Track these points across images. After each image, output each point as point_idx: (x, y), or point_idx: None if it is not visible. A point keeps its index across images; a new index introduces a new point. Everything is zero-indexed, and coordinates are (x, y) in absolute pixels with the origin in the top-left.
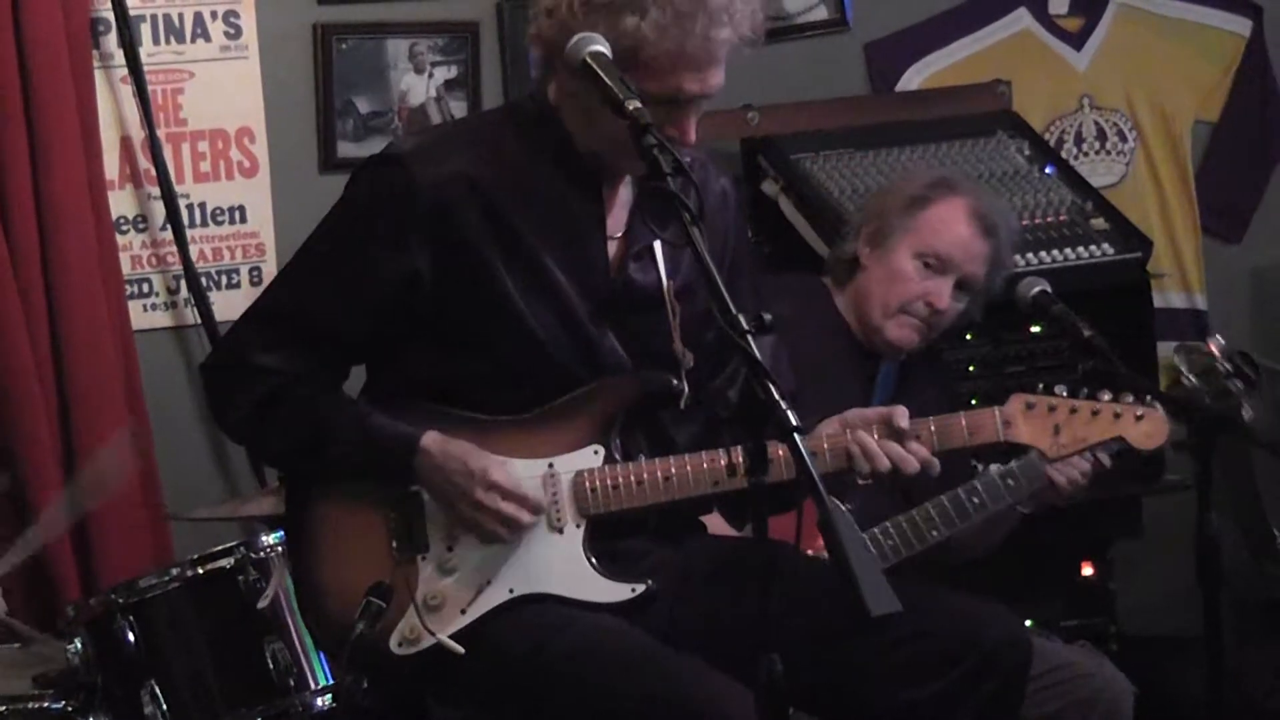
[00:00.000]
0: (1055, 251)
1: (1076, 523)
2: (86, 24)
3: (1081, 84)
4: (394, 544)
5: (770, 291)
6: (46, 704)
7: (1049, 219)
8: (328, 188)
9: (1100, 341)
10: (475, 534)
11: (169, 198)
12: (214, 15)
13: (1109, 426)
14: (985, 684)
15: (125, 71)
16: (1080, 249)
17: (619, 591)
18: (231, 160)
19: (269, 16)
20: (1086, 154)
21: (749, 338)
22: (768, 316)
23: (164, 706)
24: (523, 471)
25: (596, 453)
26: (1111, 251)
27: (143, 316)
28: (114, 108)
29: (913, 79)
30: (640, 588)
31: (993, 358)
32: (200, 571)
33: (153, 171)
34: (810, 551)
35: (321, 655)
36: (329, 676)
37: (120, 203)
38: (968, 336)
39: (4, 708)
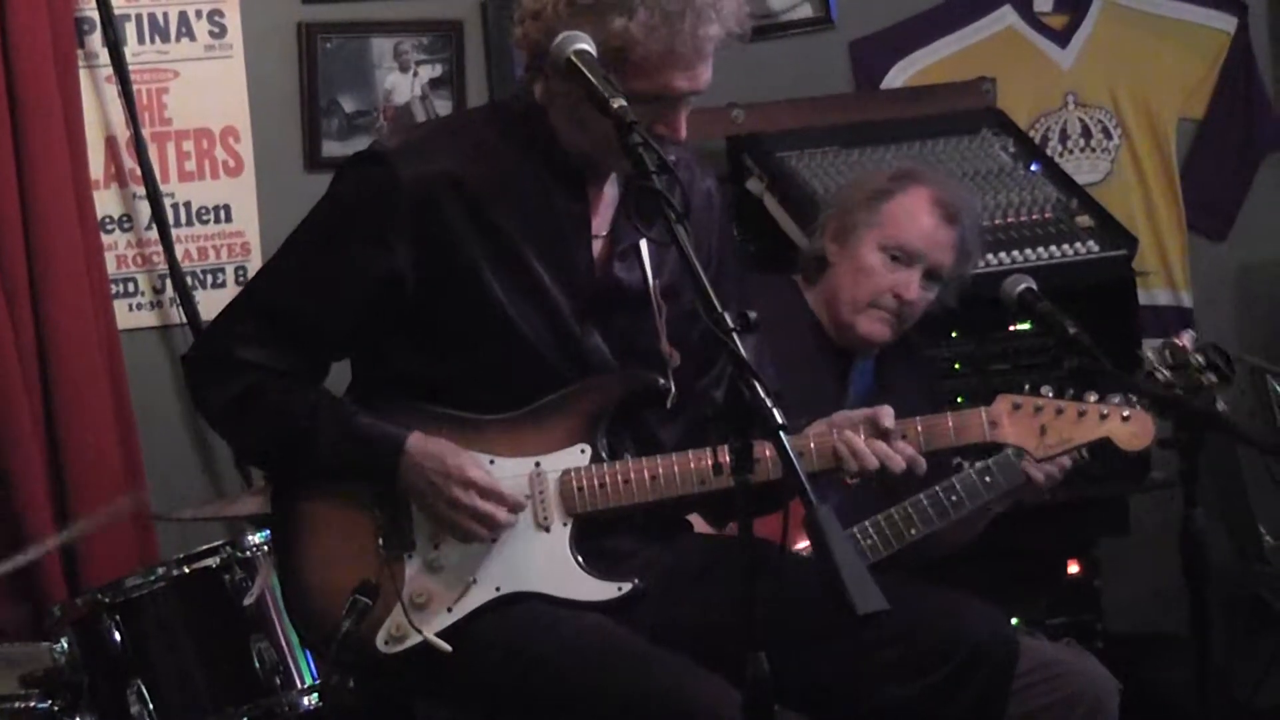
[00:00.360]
0: (1040, 249)
1: (1063, 521)
2: (71, 23)
3: (1066, 81)
4: (380, 542)
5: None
6: (33, 704)
7: (1034, 216)
8: (313, 187)
9: (1085, 339)
10: (454, 534)
11: (154, 197)
12: (199, 14)
13: (1095, 428)
14: (971, 681)
15: (110, 71)
16: (1065, 246)
17: (606, 590)
18: (216, 159)
19: (253, 15)
20: (1071, 151)
21: (734, 336)
22: (753, 315)
23: (150, 706)
24: (509, 470)
25: (583, 451)
26: (1097, 249)
27: (128, 316)
28: (99, 107)
29: (897, 77)
30: (627, 586)
31: (977, 355)
32: (186, 571)
33: (138, 171)
34: (796, 549)
35: (308, 654)
36: (315, 675)
37: (105, 202)
38: (953, 334)
39: None
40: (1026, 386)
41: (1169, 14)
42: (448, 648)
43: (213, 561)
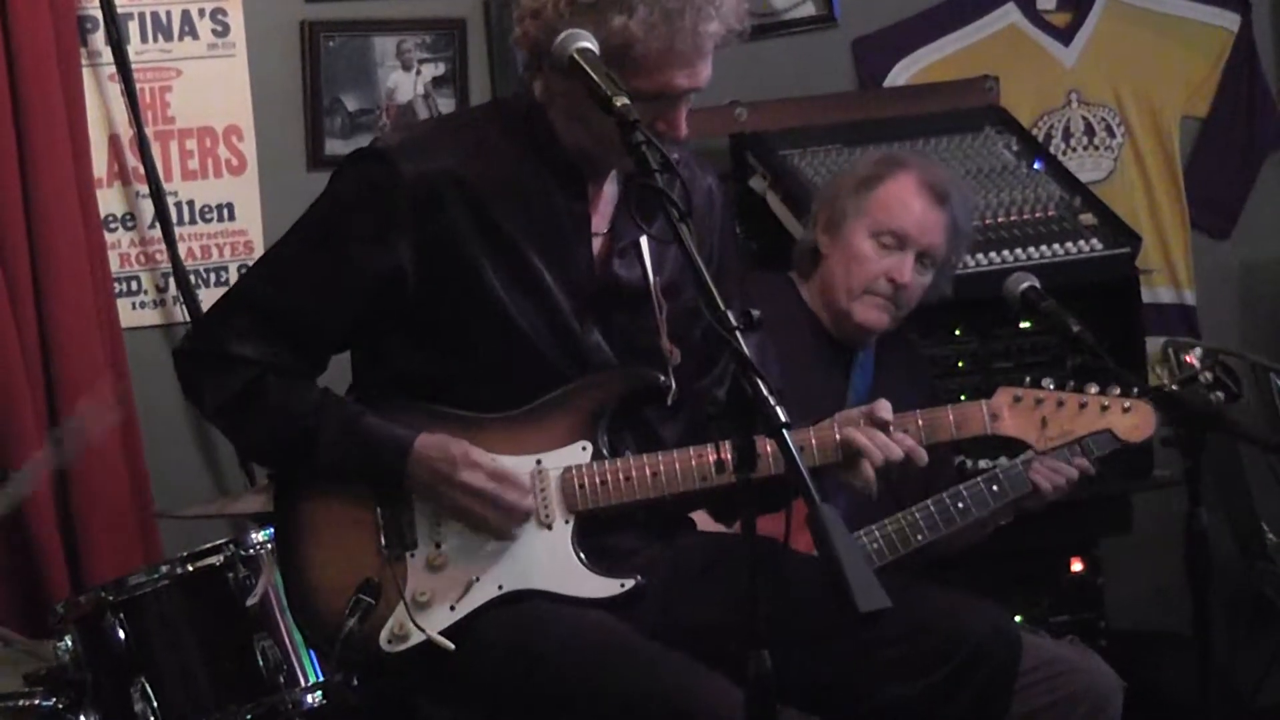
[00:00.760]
0: (1043, 247)
1: (1066, 519)
2: (74, 22)
3: (1069, 79)
4: (382, 541)
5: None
6: (37, 701)
7: (1037, 214)
8: (315, 185)
9: (1089, 337)
10: (465, 524)
11: (157, 195)
12: (201, 13)
13: (1096, 419)
14: (974, 680)
15: (113, 69)
16: (1069, 244)
17: (608, 587)
18: (219, 158)
19: (256, 14)
20: (1074, 149)
21: (737, 334)
22: (755, 313)
23: (154, 704)
24: (511, 468)
25: (584, 449)
26: (1100, 247)
27: (131, 314)
28: (102, 106)
29: (900, 75)
30: (629, 583)
31: (981, 354)
32: (190, 569)
33: (141, 169)
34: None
35: (311, 652)
36: (318, 673)
37: (108, 201)
38: (956, 332)
39: None
40: (1027, 379)
41: (1172, 11)
42: (450, 646)
43: (216, 560)
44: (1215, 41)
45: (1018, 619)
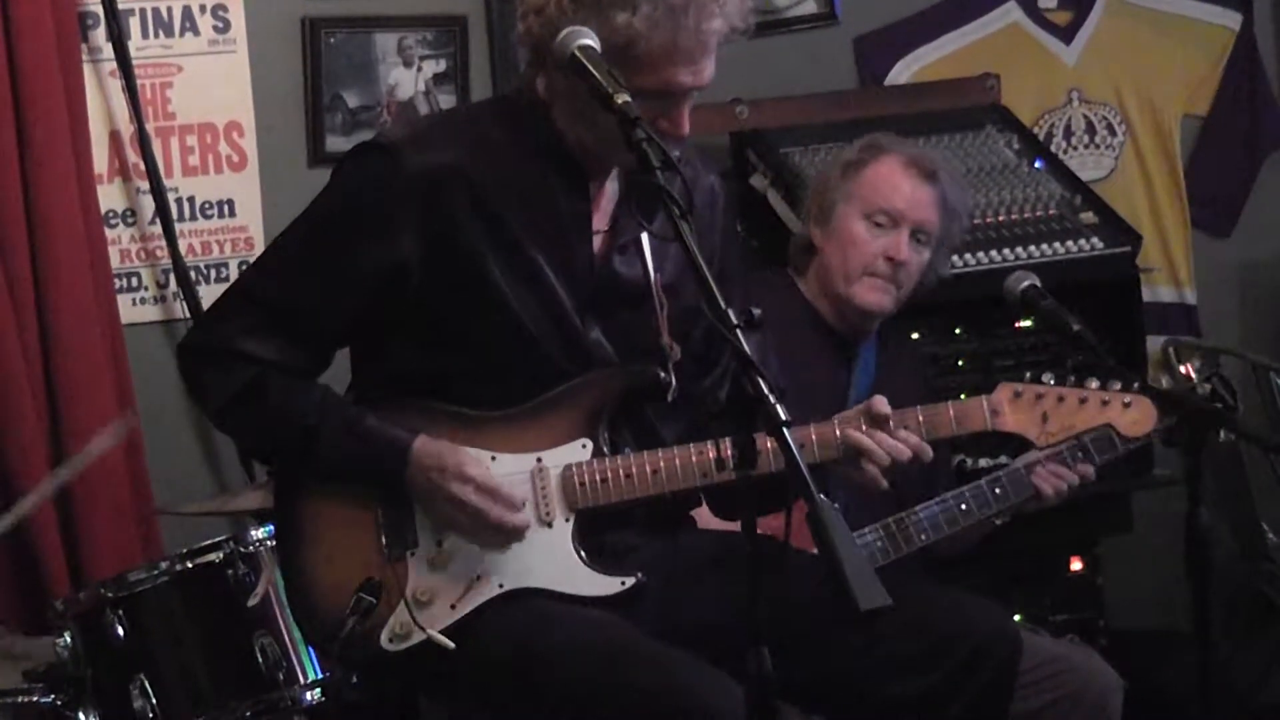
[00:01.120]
0: (1044, 246)
1: (1066, 518)
2: (75, 17)
3: (1070, 78)
4: (383, 540)
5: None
6: (36, 698)
7: (1038, 213)
8: (316, 182)
9: (1089, 336)
10: (458, 532)
11: (158, 192)
12: (202, 9)
13: (1096, 414)
14: (975, 678)
15: (114, 65)
16: (1069, 243)
17: (609, 585)
18: (220, 154)
19: (257, 10)
20: (1075, 148)
21: (738, 332)
22: (756, 311)
23: (153, 700)
24: (511, 466)
25: (585, 446)
26: (1101, 246)
27: (132, 310)
28: (102, 101)
29: (902, 73)
30: (630, 581)
31: (981, 352)
32: (190, 566)
33: (141, 165)
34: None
35: (310, 649)
36: (318, 670)
37: (109, 197)
38: (956, 331)
39: None
40: (1028, 375)
41: (1173, 10)
42: (451, 645)
43: (216, 556)
44: (1216, 40)
45: (1018, 618)
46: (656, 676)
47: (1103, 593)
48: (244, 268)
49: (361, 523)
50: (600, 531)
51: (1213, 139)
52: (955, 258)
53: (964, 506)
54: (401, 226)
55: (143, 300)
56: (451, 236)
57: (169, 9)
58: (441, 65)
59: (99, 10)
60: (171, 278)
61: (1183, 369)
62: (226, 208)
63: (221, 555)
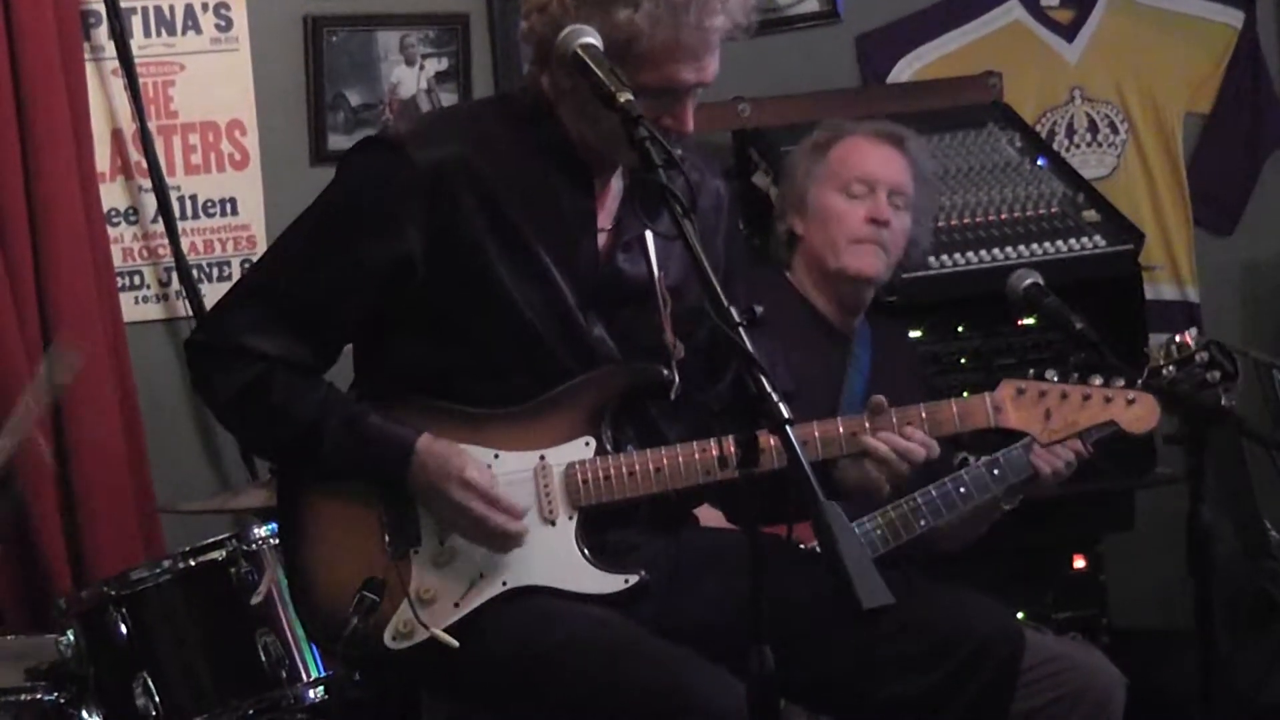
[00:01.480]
0: (1047, 244)
1: (1068, 515)
2: (77, 16)
3: (1072, 76)
4: (387, 538)
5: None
6: (39, 696)
7: (1040, 211)
8: (319, 180)
9: (1092, 334)
10: (458, 534)
11: (160, 190)
12: (205, 7)
13: (1100, 411)
14: (977, 676)
15: (116, 64)
16: (1072, 241)
17: (612, 583)
18: (222, 152)
19: (259, 9)
20: (1078, 146)
21: (740, 330)
22: (759, 309)
23: (156, 698)
24: (514, 465)
25: (588, 444)
26: (1103, 244)
27: (134, 309)
28: (105, 100)
29: (904, 71)
30: (633, 579)
31: (984, 350)
32: (192, 564)
33: (144, 164)
34: (802, 544)
35: (313, 647)
36: (321, 669)
37: (111, 195)
38: (959, 329)
39: None
40: (1031, 372)
41: (1176, 8)
42: (455, 643)
43: (218, 555)
44: (1219, 38)
45: (1020, 616)
46: (659, 675)
47: (1105, 591)
48: (246, 266)
49: (364, 521)
50: (603, 529)
51: (1215, 137)
52: (958, 255)
53: (962, 490)
54: (406, 220)
55: (145, 299)
56: (455, 231)
57: (171, 7)
58: (443, 64)
59: (101, 9)
60: (174, 276)
61: (1182, 337)
62: (229, 206)
63: (224, 553)
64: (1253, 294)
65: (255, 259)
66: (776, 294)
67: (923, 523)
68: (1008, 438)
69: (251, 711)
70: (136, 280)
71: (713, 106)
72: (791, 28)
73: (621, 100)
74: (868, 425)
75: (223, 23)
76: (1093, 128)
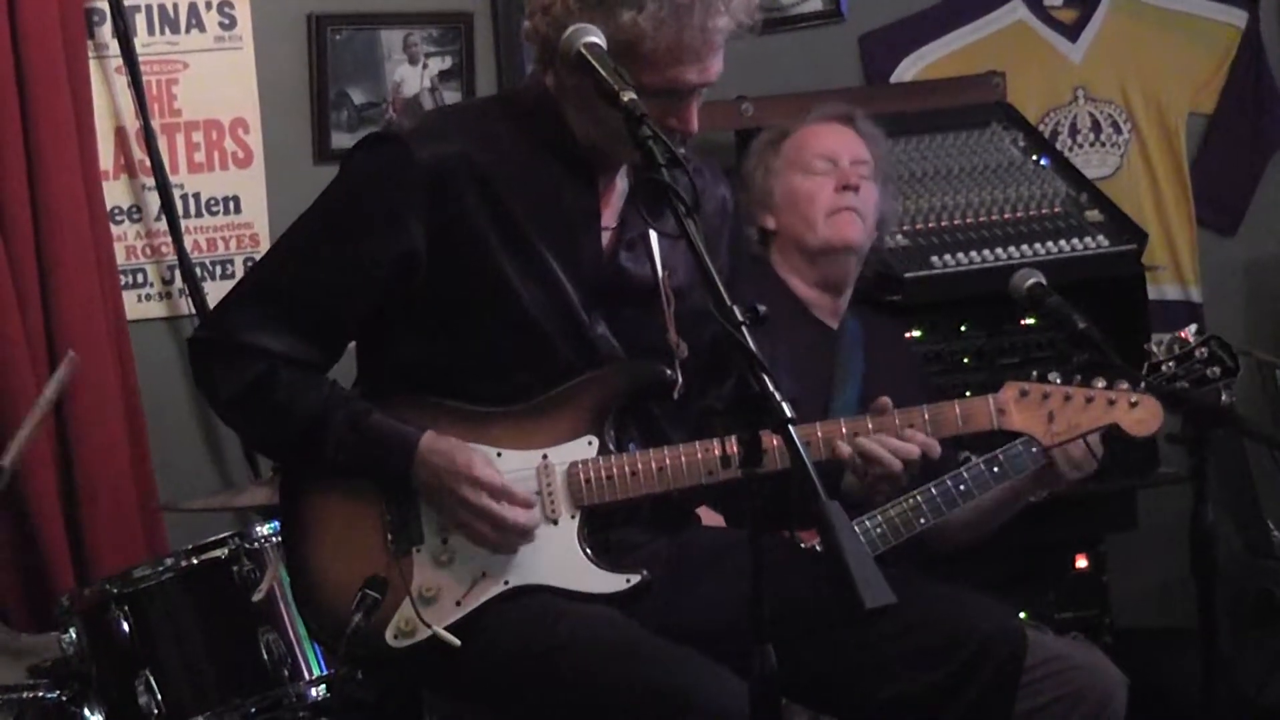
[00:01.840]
0: (1050, 243)
1: (1070, 515)
2: (81, 14)
3: (1076, 75)
4: (389, 536)
5: None
6: (41, 694)
7: (1043, 211)
8: (322, 178)
9: (1094, 334)
10: (465, 534)
11: (163, 188)
12: (208, 6)
13: (1103, 413)
14: (979, 676)
15: (120, 62)
16: (1075, 241)
17: (614, 582)
18: (226, 151)
19: (263, 7)
20: (1081, 146)
21: (743, 330)
22: (762, 309)
23: (158, 697)
24: (516, 463)
25: (590, 443)
26: (1106, 243)
27: (137, 307)
28: (108, 98)
29: (907, 70)
30: (635, 578)
31: (986, 350)
32: (194, 562)
33: (147, 162)
34: (804, 543)
35: (315, 645)
36: (323, 667)
37: (115, 193)
38: (961, 329)
39: None
40: (1034, 373)
41: (1179, 8)
42: (457, 642)
43: (221, 553)
44: (1222, 38)
45: (1022, 615)
46: (661, 674)
47: (1107, 590)
48: (249, 264)
49: (367, 519)
50: (605, 528)
51: (1218, 137)
52: (961, 255)
53: (962, 488)
54: (409, 217)
55: (148, 296)
56: (459, 227)
57: (175, 6)
58: (447, 62)
59: (105, 7)
60: (177, 274)
61: (1182, 334)
62: (232, 204)
63: (226, 551)
64: (1256, 294)
65: (258, 257)
66: (763, 287)
67: (923, 521)
68: (1011, 438)
69: (253, 709)
70: (139, 278)
71: (715, 106)
72: (795, 27)
73: (625, 99)
74: (870, 426)
75: (226, 21)
76: (1096, 127)
